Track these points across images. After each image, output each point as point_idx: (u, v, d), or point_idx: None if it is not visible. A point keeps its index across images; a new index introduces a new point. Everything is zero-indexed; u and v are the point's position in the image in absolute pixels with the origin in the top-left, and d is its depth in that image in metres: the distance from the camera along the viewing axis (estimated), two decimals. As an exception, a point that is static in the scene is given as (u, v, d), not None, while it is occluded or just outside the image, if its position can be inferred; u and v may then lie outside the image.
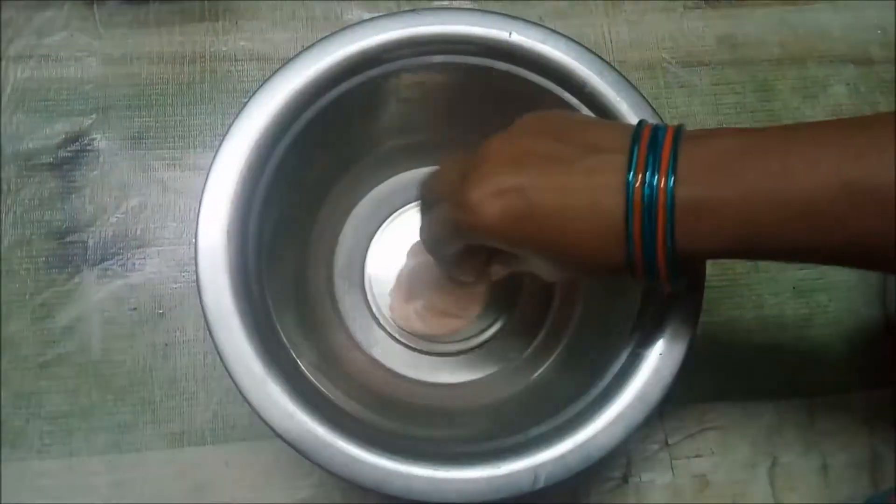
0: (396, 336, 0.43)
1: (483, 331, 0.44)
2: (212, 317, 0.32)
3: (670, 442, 0.44)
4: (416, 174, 0.45)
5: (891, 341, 0.46)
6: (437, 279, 0.43)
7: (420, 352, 0.43)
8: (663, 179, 0.25)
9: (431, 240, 0.34)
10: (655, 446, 0.44)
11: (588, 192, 0.26)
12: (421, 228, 0.35)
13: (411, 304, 0.43)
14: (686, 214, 0.25)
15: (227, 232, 0.34)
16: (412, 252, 0.44)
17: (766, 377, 0.45)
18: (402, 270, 0.44)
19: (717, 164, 0.25)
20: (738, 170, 0.24)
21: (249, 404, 0.32)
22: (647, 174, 0.25)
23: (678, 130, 0.26)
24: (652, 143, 0.26)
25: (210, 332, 0.32)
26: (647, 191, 0.25)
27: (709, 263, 0.34)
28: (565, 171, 0.27)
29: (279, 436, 0.31)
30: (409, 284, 0.43)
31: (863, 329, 0.46)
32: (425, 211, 0.35)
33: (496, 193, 0.27)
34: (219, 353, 0.32)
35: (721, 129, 0.27)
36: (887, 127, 0.23)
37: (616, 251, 0.26)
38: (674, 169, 0.25)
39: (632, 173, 0.25)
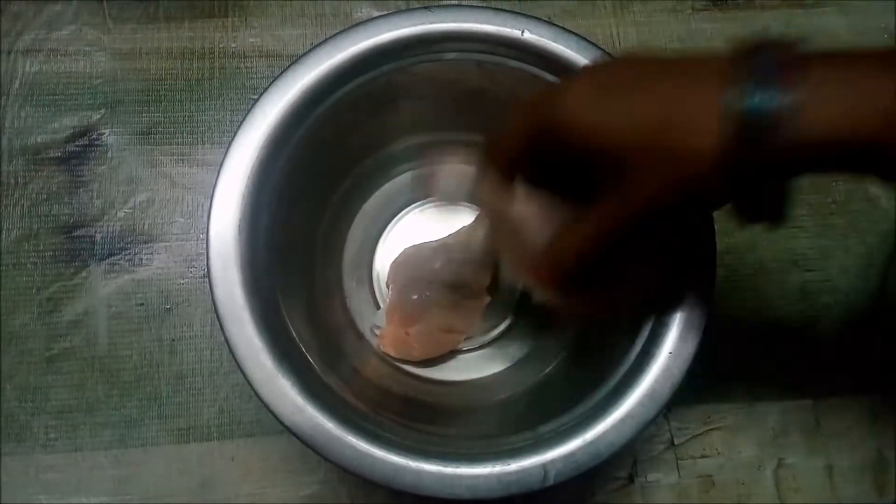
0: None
1: (491, 329, 0.44)
2: (223, 311, 0.32)
3: (676, 442, 0.44)
4: (420, 174, 0.45)
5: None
6: (436, 297, 0.42)
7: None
8: (766, 94, 0.24)
9: (501, 137, 0.31)
10: (661, 446, 0.44)
11: (688, 103, 0.25)
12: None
13: (408, 328, 0.41)
14: (786, 128, 0.24)
15: (239, 227, 0.34)
16: (394, 279, 0.43)
17: (771, 379, 0.46)
18: (391, 300, 0.42)
19: (821, 80, 0.24)
20: (841, 84, 0.24)
21: (260, 398, 0.31)
22: (751, 89, 0.24)
23: (783, 44, 0.25)
24: (754, 58, 0.25)
25: (221, 327, 0.32)
26: (748, 105, 0.24)
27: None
28: (664, 84, 0.26)
29: (289, 430, 0.31)
30: (403, 309, 0.42)
31: (868, 331, 0.46)
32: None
33: (594, 91, 0.27)
34: (230, 347, 0.32)
35: (816, 51, 0.25)
36: None
37: (712, 166, 0.25)
38: (777, 84, 0.24)
39: (736, 84, 0.24)
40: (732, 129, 0.24)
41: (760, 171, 0.25)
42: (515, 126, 0.30)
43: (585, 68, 0.29)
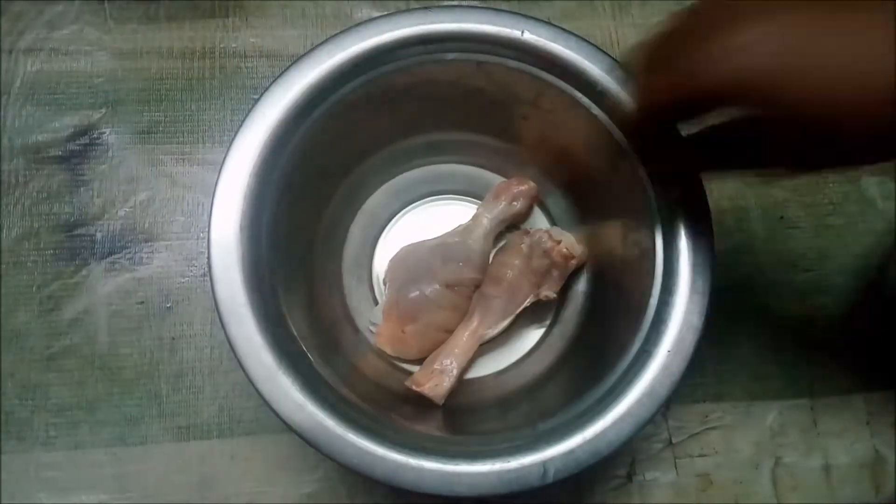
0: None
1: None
2: (224, 308, 0.32)
3: (674, 441, 0.44)
4: (425, 172, 0.46)
5: (893, 343, 0.46)
6: (434, 296, 0.41)
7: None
8: None
9: (654, 87, 0.28)
10: (660, 445, 0.44)
11: (863, 42, 0.22)
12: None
13: (405, 326, 0.41)
14: None
15: (240, 225, 0.34)
16: (392, 276, 0.43)
17: (769, 378, 0.46)
18: (388, 298, 0.42)
19: None
20: None
21: (261, 396, 0.32)
22: None
23: None
24: None
25: (222, 324, 0.32)
26: None
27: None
28: (836, 17, 0.23)
29: (290, 427, 0.31)
30: (400, 307, 0.41)
31: (865, 331, 0.47)
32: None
33: (755, 42, 0.23)
34: (231, 344, 0.32)
35: None
36: None
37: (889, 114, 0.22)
38: None
39: None
40: None
41: None
42: (669, 90, 0.26)
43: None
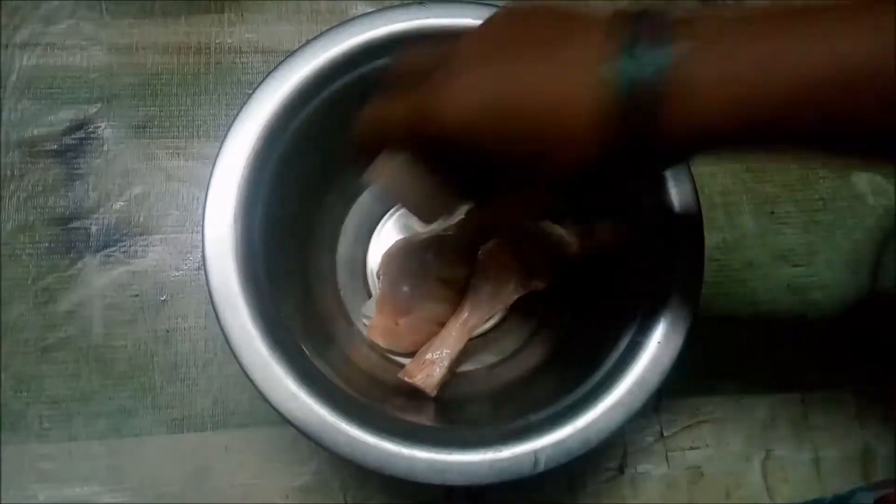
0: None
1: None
2: (218, 299, 0.33)
3: (666, 434, 0.45)
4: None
5: (882, 338, 0.47)
6: (427, 289, 0.42)
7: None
8: (652, 57, 0.22)
9: (383, 125, 0.30)
10: (651, 438, 0.45)
11: (564, 79, 0.23)
12: (369, 115, 0.30)
13: (398, 319, 0.42)
14: (675, 96, 0.22)
15: (234, 216, 0.34)
16: (385, 270, 0.43)
17: (760, 372, 0.46)
18: (381, 291, 0.42)
19: (710, 43, 0.22)
20: (732, 49, 0.22)
21: (255, 385, 0.32)
22: (635, 53, 0.22)
23: (659, 15, 0.24)
24: (637, 23, 0.23)
25: (216, 314, 0.33)
26: (632, 71, 0.22)
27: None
28: (538, 59, 0.24)
29: (283, 416, 0.32)
30: (394, 301, 0.42)
31: (855, 326, 0.47)
32: (383, 94, 0.30)
33: (467, 88, 0.25)
34: (224, 334, 0.32)
35: (709, 15, 0.24)
36: (888, 11, 0.21)
37: (596, 141, 0.23)
38: (662, 46, 0.22)
39: (617, 53, 0.23)
40: (613, 103, 0.22)
41: (650, 147, 0.23)
42: (389, 121, 0.28)
43: (459, 54, 0.26)
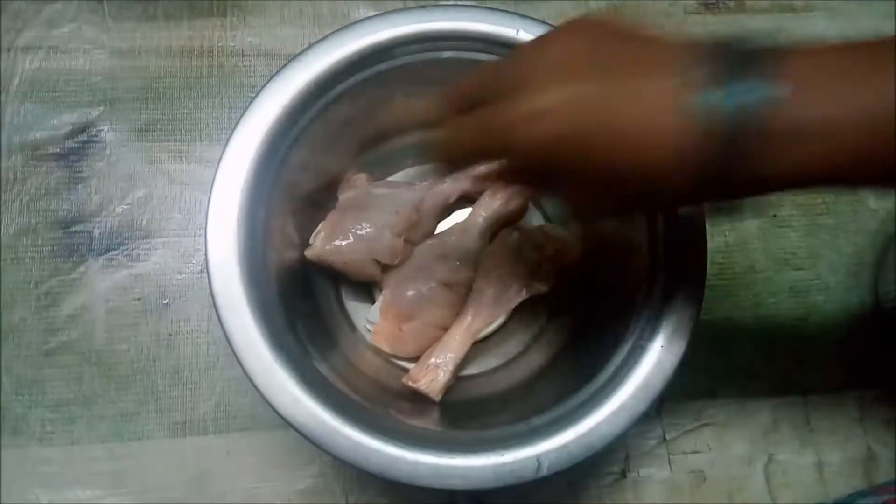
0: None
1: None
2: (221, 302, 0.33)
3: (668, 438, 0.45)
4: (422, 170, 0.46)
5: (885, 341, 0.47)
6: (431, 294, 0.42)
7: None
8: (753, 92, 0.21)
9: (461, 146, 0.29)
10: (653, 442, 0.45)
11: (656, 106, 0.23)
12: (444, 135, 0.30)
13: (402, 324, 0.41)
14: (778, 133, 0.21)
15: (237, 220, 0.34)
16: (389, 272, 0.42)
17: (762, 375, 0.46)
18: (385, 296, 0.42)
19: (813, 84, 0.21)
20: (836, 92, 0.21)
21: (257, 389, 0.32)
22: (733, 86, 0.21)
23: (759, 45, 0.23)
24: (728, 53, 0.22)
25: (219, 317, 0.32)
26: (734, 104, 0.21)
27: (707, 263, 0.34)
28: (628, 84, 0.24)
29: (285, 420, 0.32)
30: (398, 305, 0.42)
31: (857, 329, 0.47)
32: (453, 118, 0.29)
33: (546, 111, 0.24)
34: (227, 337, 0.32)
35: (799, 49, 0.23)
36: None
37: (686, 170, 0.23)
38: (765, 81, 0.21)
39: (714, 84, 0.21)
40: (707, 133, 0.22)
41: (736, 178, 0.23)
42: (479, 147, 0.28)
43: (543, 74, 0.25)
